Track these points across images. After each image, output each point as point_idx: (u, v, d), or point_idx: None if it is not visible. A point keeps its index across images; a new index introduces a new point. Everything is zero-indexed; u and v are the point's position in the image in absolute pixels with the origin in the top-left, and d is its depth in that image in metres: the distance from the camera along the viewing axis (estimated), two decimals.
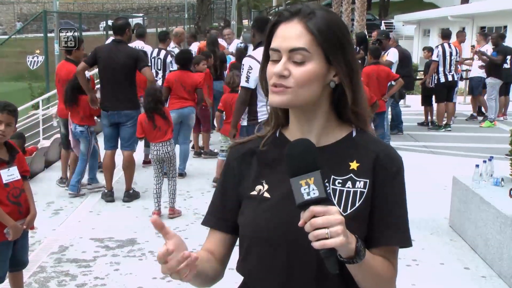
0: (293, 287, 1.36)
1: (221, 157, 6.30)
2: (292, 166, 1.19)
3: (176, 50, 9.20)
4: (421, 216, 5.49)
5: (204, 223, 1.53)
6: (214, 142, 8.47)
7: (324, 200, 1.17)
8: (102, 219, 5.68)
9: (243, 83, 4.90)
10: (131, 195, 6.24)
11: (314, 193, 1.16)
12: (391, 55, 9.13)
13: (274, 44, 1.35)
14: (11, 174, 3.39)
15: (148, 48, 8.66)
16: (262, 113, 4.77)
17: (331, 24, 1.34)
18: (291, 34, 1.32)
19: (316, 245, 1.15)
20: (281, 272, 1.36)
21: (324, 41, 1.32)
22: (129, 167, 6.22)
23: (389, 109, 9.30)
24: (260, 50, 4.99)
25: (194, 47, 10.45)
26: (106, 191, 6.26)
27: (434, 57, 10.32)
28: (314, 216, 1.16)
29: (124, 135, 6.15)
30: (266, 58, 1.40)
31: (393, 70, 9.02)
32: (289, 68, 1.32)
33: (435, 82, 10.37)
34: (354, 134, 1.43)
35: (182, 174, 7.02)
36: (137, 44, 8.56)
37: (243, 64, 4.98)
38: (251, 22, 6.00)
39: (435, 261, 4.62)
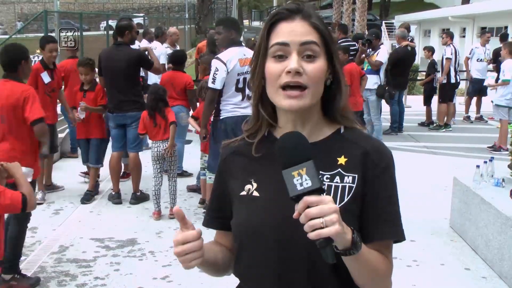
0: (285, 286, 1.35)
1: (203, 176, 5.86)
2: (284, 158, 1.18)
3: (169, 50, 9.23)
4: (421, 216, 5.48)
5: (203, 223, 1.57)
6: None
7: (318, 190, 1.15)
8: (102, 219, 5.68)
9: (210, 84, 5.07)
10: (138, 197, 6.16)
11: (307, 183, 1.15)
12: (381, 55, 9.05)
13: (281, 38, 1.32)
14: None
15: (154, 45, 8.88)
16: (225, 111, 5.06)
17: (324, 23, 1.37)
18: (298, 30, 1.32)
19: (311, 235, 1.14)
20: (274, 271, 1.35)
21: (328, 38, 1.35)
22: (135, 169, 6.18)
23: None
24: (230, 50, 5.07)
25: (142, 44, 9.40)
26: (113, 193, 6.24)
27: (448, 55, 10.24)
28: (308, 207, 1.15)
29: (130, 136, 6.12)
30: (264, 55, 1.37)
31: (382, 69, 9.04)
32: (302, 64, 1.31)
33: (444, 82, 10.32)
34: (342, 130, 1.43)
35: (179, 174, 6.91)
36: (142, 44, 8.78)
37: (210, 66, 5.17)
38: (221, 24, 5.77)
39: (435, 261, 4.61)
